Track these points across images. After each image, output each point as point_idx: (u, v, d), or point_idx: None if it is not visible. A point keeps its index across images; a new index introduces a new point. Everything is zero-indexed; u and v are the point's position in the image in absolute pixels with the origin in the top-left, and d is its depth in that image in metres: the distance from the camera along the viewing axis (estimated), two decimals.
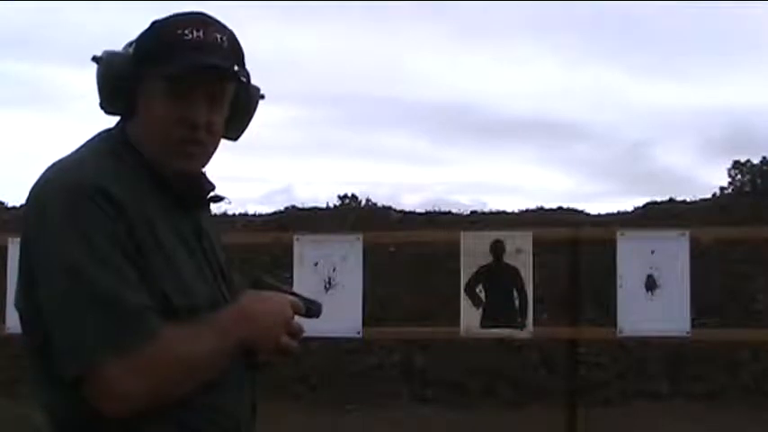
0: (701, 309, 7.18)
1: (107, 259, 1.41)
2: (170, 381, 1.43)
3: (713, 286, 8.22)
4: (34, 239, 1.46)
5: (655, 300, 5.45)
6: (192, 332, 1.45)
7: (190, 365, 1.44)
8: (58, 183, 1.47)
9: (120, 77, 1.54)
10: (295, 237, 5.87)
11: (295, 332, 1.57)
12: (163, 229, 1.51)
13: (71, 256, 1.40)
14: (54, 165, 1.53)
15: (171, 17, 1.57)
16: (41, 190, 1.49)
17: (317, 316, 1.62)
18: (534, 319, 5.62)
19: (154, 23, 1.57)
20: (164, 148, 1.54)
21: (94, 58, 1.58)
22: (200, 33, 1.53)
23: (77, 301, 1.39)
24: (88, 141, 1.59)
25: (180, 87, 1.52)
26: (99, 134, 1.61)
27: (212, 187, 1.65)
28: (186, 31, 1.53)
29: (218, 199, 1.67)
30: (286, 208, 10.28)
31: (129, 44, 1.58)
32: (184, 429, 1.48)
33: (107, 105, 1.59)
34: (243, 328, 1.50)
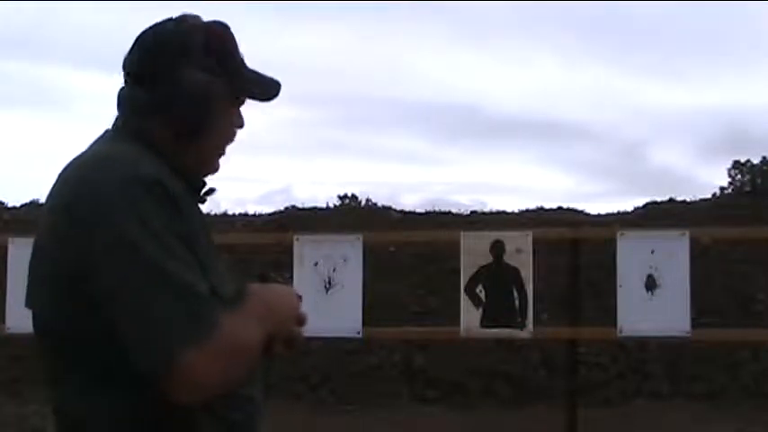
0: (701, 309, 7.18)
1: (175, 250, 1.41)
2: (235, 368, 1.44)
3: (713, 286, 8.22)
4: (89, 235, 1.42)
5: (655, 300, 5.45)
6: (240, 320, 1.46)
7: (248, 353, 1.46)
8: (111, 176, 1.44)
9: (210, 97, 1.60)
10: (295, 237, 5.87)
11: (303, 322, 1.61)
12: (199, 222, 1.54)
13: (144, 250, 1.39)
14: (89, 160, 1.51)
15: (216, 27, 1.64)
16: (88, 186, 1.45)
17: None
18: (534, 319, 5.62)
19: (209, 32, 1.62)
20: (217, 153, 1.66)
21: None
22: (241, 51, 1.67)
23: (155, 294, 1.38)
24: (109, 140, 1.58)
25: (242, 102, 1.67)
26: (109, 133, 1.60)
27: (204, 183, 1.69)
28: (238, 51, 1.66)
29: (211, 192, 1.70)
30: (286, 208, 10.28)
31: (180, 53, 1.58)
32: (224, 421, 1.50)
33: (183, 125, 1.59)
34: (270, 319, 1.52)
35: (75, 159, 1.55)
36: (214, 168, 1.68)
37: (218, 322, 1.40)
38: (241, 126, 1.68)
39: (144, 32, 1.62)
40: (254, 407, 1.57)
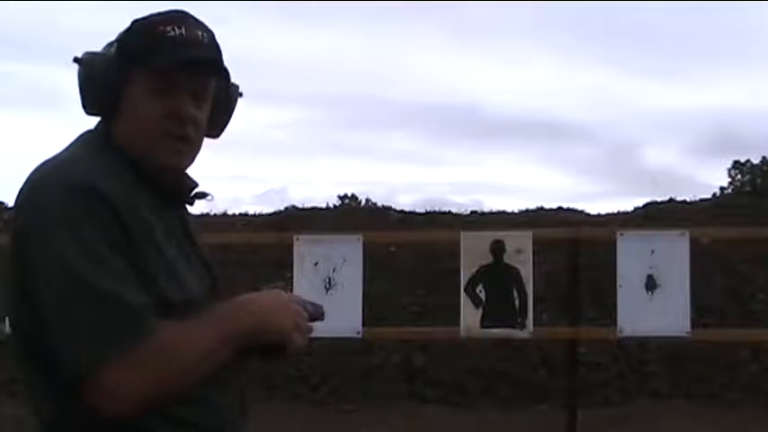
0: (701, 309, 7.18)
1: (103, 258, 1.40)
2: (170, 378, 1.42)
3: (713, 286, 8.22)
4: (28, 241, 1.44)
5: (655, 300, 5.46)
6: (189, 327, 1.45)
7: (189, 361, 1.44)
8: (50, 182, 1.46)
9: (105, 77, 1.55)
10: (295, 237, 5.86)
11: (313, 316, 1.63)
12: (154, 225, 1.51)
13: (68, 257, 1.39)
14: (42, 165, 1.52)
15: (151, 15, 1.59)
16: (32, 191, 1.48)
17: (322, 318, 1.64)
18: (534, 319, 5.62)
19: (134, 22, 1.59)
20: (152, 145, 1.55)
21: (76, 60, 1.59)
22: (182, 30, 1.56)
23: (76, 303, 1.38)
24: (73, 142, 1.59)
25: (166, 83, 1.54)
26: (81, 135, 1.61)
27: (195, 184, 1.66)
28: (168, 28, 1.55)
29: (202, 195, 1.68)
30: (286, 208, 10.27)
31: (110, 44, 1.59)
32: (181, 425, 1.48)
33: (90, 106, 1.60)
34: (243, 321, 1.50)
35: (41, 163, 1.55)
36: (167, 158, 1.57)
37: (148, 331, 1.39)
38: (172, 113, 1.54)
39: None
40: (215, 408, 1.54)
